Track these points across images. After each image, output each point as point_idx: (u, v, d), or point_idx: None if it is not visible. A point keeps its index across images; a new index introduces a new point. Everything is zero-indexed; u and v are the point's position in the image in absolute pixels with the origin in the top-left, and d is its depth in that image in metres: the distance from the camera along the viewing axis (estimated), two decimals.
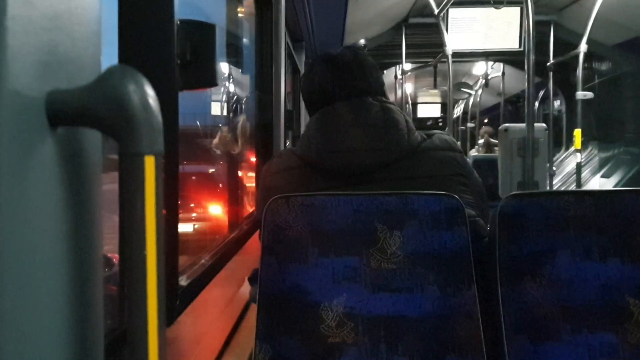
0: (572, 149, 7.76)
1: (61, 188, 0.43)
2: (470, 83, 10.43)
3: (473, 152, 8.07)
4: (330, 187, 1.35)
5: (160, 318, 0.42)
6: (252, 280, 1.60)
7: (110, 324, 0.77)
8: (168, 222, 0.71)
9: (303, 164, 1.40)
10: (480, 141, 7.40)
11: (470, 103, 11.28)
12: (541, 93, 8.48)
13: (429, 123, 14.78)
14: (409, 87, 10.89)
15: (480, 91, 10.24)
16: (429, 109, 13.54)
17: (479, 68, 9.74)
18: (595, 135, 7.53)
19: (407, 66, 7.46)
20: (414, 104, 13.37)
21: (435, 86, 8.03)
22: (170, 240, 0.83)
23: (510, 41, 5.74)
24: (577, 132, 5.19)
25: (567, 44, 6.02)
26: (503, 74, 9.06)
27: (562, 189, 6.72)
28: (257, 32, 2.28)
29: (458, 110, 13.24)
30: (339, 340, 1.22)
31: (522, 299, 1.24)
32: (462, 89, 9.87)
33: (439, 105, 13.06)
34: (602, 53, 6.67)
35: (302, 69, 4.45)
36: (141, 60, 0.78)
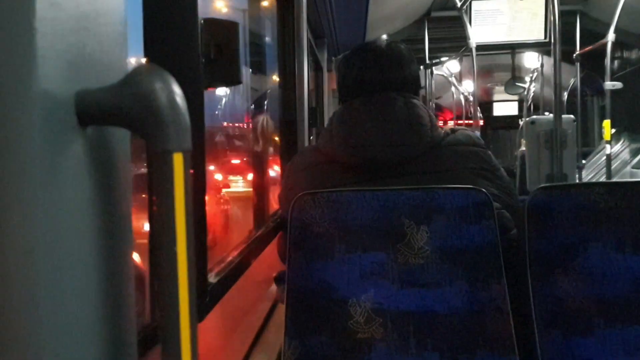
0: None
1: (92, 187, 0.43)
2: (525, 77, 10.00)
3: (523, 147, 7.75)
4: (354, 182, 1.34)
5: (192, 315, 0.43)
6: (278, 280, 1.60)
7: (141, 320, 0.78)
8: (196, 219, 0.71)
9: (326, 160, 1.40)
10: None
11: (530, 97, 10.74)
12: (573, 83, 8.28)
13: (508, 122, 13.07)
14: (469, 85, 10.42)
15: (533, 85, 9.78)
16: (506, 107, 12.60)
17: (531, 61, 9.31)
18: (626, 126, 7.38)
19: (455, 66, 7.27)
20: (488, 102, 12.62)
21: (513, 78, 7.67)
22: (199, 236, 0.84)
23: (535, 32, 5.66)
24: (607, 123, 5.09)
25: (595, 34, 5.91)
26: (542, 65, 8.69)
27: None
28: (279, 30, 2.28)
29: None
30: (367, 336, 1.21)
31: (553, 293, 1.23)
32: (517, 84, 9.54)
33: (517, 103, 12.14)
34: (631, 41, 6.54)
35: (324, 66, 4.45)
36: (166, 59, 0.78)
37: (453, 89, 8.79)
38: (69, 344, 0.40)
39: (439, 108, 13.38)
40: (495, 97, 12.72)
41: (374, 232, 1.25)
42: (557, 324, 1.21)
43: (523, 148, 7.48)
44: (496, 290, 1.22)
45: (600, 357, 1.18)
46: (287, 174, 1.48)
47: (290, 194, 1.34)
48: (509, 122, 12.82)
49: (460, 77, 7.80)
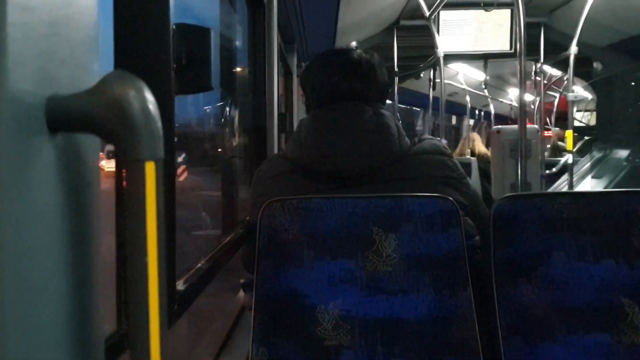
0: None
1: (60, 194, 0.43)
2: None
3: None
4: (322, 190, 1.35)
5: (162, 323, 0.42)
6: (245, 286, 1.59)
7: (108, 328, 0.77)
8: (166, 228, 0.71)
9: (294, 168, 1.40)
10: (547, 145, 7.26)
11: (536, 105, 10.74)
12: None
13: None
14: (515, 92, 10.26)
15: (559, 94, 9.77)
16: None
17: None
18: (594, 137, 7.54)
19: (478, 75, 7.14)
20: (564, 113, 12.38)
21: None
22: (168, 245, 0.83)
23: (501, 43, 5.76)
24: (569, 134, 5.21)
25: (559, 46, 6.05)
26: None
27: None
28: (249, 34, 2.28)
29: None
30: (335, 343, 1.22)
31: (517, 300, 1.25)
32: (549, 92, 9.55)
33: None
34: (594, 54, 6.71)
35: (294, 71, 4.45)
36: (137, 65, 0.77)
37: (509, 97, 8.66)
38: (35, 352, 0.39)
39: (503, 118, 13.14)
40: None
41: (343, 240, 1.26)
42: (520, 331, 1.24)
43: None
44: (462, 297, 1.24)
45: None
46: (255, 181, 1.48)
47: (259, 201, 1.34)
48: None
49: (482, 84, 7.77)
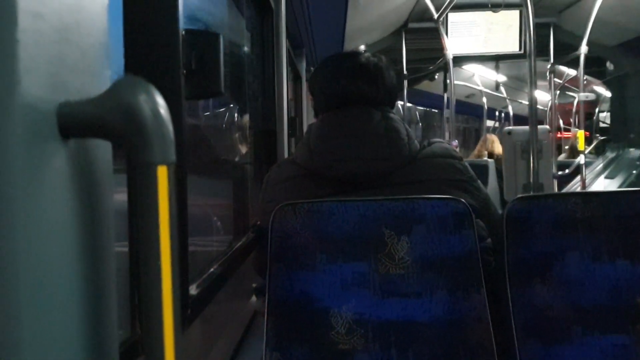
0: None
1: (74, 199, 0.43)
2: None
3: (560, 158, 7.62)
4: (332, 195, 1.35)
5: (176, 327, 0.42)
6: (258, 291, 1.59)
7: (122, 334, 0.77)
8: (179, 232, 0.71)
9: (304, 173, 1.40)
10: (566, 147, 7.18)
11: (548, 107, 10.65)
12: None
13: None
14: (542, 95, 10.25)
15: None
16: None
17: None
18: (608, 137, 7.47)
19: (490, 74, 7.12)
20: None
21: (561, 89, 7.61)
22: (180, 249, 0.83)
23: (510, 44, 5.74)
24: (580, 134, 5.18)
25: (569, 46, 6.02)
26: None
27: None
28: (258, 40, 2.28)
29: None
30: (349, 347, 1.21)
31: (532, 302, 1.24)
32: (567, 93, 9.49)
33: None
34: (604, 54, 6.67)
35: (303, 76, 4.46)
36: (147, 70, 0.78)
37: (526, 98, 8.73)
38: (50, 356, 0.39)
39: (522, 119, 13.15)
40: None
41: (354, 243, 1.25)
42: (536, 333, 1.23)
43: (559, 158, 7.35)
44: (476, 299, 1.23)
45: None
46: (265, 186, 1.48)
47: (269, 206, 1.34)
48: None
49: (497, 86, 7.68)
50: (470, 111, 12.96)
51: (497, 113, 14.24)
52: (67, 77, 0.43)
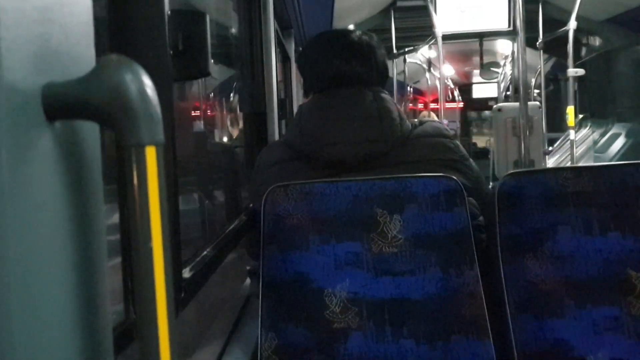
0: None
1: (62, 182, 0.42)
2: (500, 62, 10.04)
3: None
4: (323, 177, 1.34)
5: (170, 311, 0.42)
6: (252, 273, 1.59)
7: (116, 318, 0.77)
8: (170, 214, 0.71)
9: (295, 155, 1.39)
10: None
11: (507, 81, 10.77)
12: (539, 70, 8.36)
13: (490, 104, 13.64)
14: (448, 69, 10.44)
15: (509, 70, 9.86)
16: (486, 89, 12.52)
17: (504, 47, 9.37)
18: (591, 112, 7.51)
19: (430, 53, 7.34)
20: (467, 85, 12.82)
21: (482, 66, 7.82)
22: (172, 231, 0.83)
23: (500, 21, 5.72)
24: (570, 110, 5.18)
25: (558, 21, 6.00)
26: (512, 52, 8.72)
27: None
28: (246, 21, 2.26)
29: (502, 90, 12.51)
30: (344, 326, 1.22)
31: (524, 277, 1.25)
32: (492, 69, 9.57)
33: (496, 85, 12.41)
34: (593, 29, 6.66)
35: (292, 57, 4.42)
36: (133, 50, 0.76)
37: (428, 74, 8.91)
38: (43, 341, 0.39)
39: (419, 92, 13.46)
40: (474, 79, 12.91)
41: (347, 223, 1.25)
42: (529, 307, 1.24)
43: None
44: (469, 276, 1.24)
45: (571, 338, 1.20)
46: (257, 169, 1.47)
47: (261, 189, 1.33)
48: (488, 103, 13.01)
49: (429, 64, 7.88)
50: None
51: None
52: (51, 57, 0.42)
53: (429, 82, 8.33)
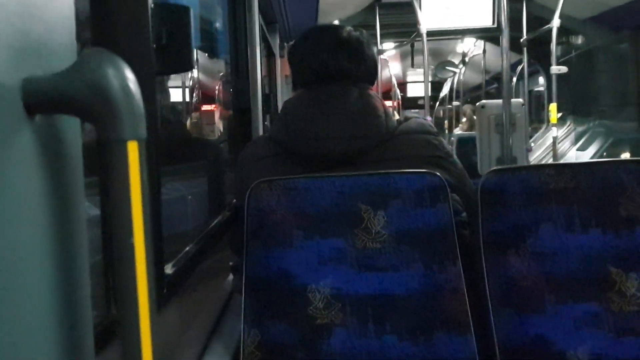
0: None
1: (42, 178, 0.42)
2: (456, 61, 10.18)
3: (457, 131, 7.96)
4: (309, 173, 1.34)
5: (152, 307, 0.42)
6: (235, 269, 1.59)
7: (97, 314, 0.76)
8: (152, 210, 0.70)
9: (280, 151, 1.39)
10: (463, 119, 7.40)
11: (455, 81, 11.04)
12: (518, 69, 8.47)
13: (420, 102, 14.43)
14: (395, 67, 10.73)
15: (463, 69, 10.02)
16: (419, 88, 13.18)
17: (464, 46, 9.53)
18: (572, 110, 7.60)
19: (386, 46, 7.43)
20: (403, 84, 13.10)
21: (412, 65, 7.97)
22: (155, 227, 0.82)
23: (484, 18, 5.74)
24: (552, 107, 5.23)
25: (541, 19, 6.05)
26: (484, 51, 8.91)
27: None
28: (230, 15, 2.24)
29: (446, 89, 12.92)
30: (327, 322, 1.22)
31: (506, 273, 1.26)
32: (447, 67, 9.68)
33: (430, 84, 12.74)
34: (576, 27, 6.72)
35: (277, 52, 4.41)
36: (115, 44, 0.76)
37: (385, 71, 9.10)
38: (22, 339, 0.38)
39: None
40: (409, 78, 13.26)
41: (331, 218, 1.25)
42: (510, 303, 1.25)
43: (459, 131, 7.63)
44: (452, 271, 1.24)
45: (552, 333, 1.22)
46: (241, 164, 1.47)
47: (245, 184, 1.33)
48: (418, 102, 13.84)
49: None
50: None
51: None
52: (32, 51, 0.42)
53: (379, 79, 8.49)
